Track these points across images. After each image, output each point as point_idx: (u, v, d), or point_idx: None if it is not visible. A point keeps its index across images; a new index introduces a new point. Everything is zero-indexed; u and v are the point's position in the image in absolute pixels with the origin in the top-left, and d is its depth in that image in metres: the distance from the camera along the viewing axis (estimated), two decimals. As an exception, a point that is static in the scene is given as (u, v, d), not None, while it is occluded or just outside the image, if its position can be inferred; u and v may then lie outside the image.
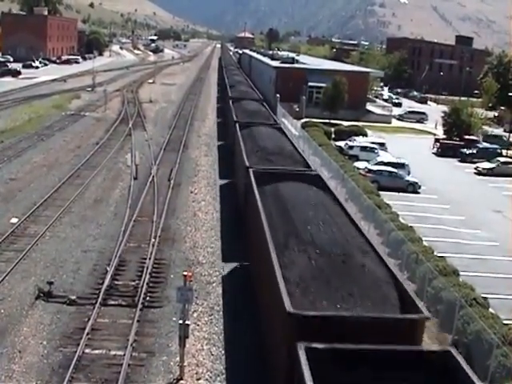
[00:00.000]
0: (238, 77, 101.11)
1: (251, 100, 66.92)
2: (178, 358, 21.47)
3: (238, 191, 40.74)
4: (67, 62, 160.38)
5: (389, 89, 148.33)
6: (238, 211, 36.90)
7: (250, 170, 30.85)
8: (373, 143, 65.20)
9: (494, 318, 25.11)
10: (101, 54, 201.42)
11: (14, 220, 34.93)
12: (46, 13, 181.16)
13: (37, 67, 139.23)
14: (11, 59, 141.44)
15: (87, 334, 22.97)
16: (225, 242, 34.22)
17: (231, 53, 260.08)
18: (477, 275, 31.92)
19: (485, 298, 27.35)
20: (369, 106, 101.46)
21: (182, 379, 20.90)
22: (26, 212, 36.34)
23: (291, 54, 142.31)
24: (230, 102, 61.78)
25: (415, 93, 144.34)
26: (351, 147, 63.31)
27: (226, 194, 43.73)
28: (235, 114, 53.37)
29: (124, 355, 21.75)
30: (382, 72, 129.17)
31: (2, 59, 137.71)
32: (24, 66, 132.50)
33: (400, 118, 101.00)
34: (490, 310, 26.45)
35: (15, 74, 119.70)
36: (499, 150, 71.08)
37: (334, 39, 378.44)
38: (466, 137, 75.59)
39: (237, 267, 30.73)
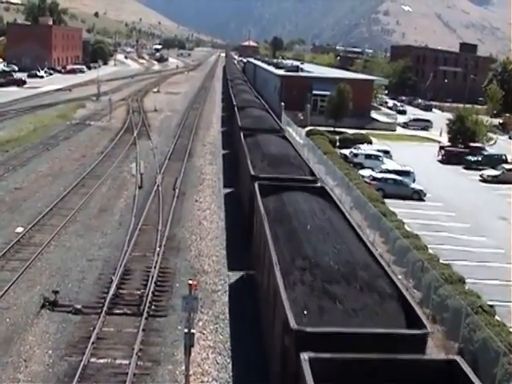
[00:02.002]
0: (242, 86, 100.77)
1: (256, 108, 66.79)
2: (183, 367, 21.40)
3: (242, 199, 40.69)
4: (72, 71, 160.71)
5: (388, 95, 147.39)
6: (243, 219, 36.74)
7: (256, 183, 30.58)
8: (378, 151, 65.16)
9: (501, 326, 25.01)
10: (105, 64, 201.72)
11: (20, 229, 34.97)
12: (50, 23, 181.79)
13: (42, 77, 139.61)
14: (16, 69, 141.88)
15: (92, 342, 22.95)
16: (230, 251, 34.21)
17: (235, 61, 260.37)
18: (483, 283, 31.83)
19: (491, 306, 27.25)
20: (373, 114, 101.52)
21: (187, 388, 20.86)
22: (32, 221, 36.38)
23: (296, 63, 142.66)
24: (235, 110, 61.79)
25: (420, 100, 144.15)
26: (356, 155, 63.23)
27: (231, 203, 43.70)
28: (240, 121, 53.53)
29: (129, 364, 21.73)
30: (386, 80, 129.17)
31: (7, 69, 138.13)
32: (29, 76, 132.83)
33: (405, 125, 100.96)
34: (497, 317, 26.33)
35: (20, 83, 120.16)
36: (504, 157, 70.86)
37: (338, 47, 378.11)
38: (471, 144, 75.48)
39: (242, 276, 30.69)
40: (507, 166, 65.86)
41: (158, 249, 32.85)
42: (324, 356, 14.40)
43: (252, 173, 34.16)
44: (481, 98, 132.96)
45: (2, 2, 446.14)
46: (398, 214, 42.01)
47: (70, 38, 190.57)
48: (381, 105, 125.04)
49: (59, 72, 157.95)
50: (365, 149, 66.22)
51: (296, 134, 74.03)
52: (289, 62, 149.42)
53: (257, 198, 28.61)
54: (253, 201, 30.69)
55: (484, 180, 62.52)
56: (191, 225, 38.37)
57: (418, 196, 51.57)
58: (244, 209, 38.11)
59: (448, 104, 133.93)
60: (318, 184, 33.16)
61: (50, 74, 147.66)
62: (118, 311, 25.90)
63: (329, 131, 77.98)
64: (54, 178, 47.87)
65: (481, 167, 66.54)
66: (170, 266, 31.15)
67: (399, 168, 56.33)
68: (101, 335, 23.81)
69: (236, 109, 62.96)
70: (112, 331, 24.29)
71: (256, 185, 30.35)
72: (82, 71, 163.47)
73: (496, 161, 68.55)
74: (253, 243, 30.71)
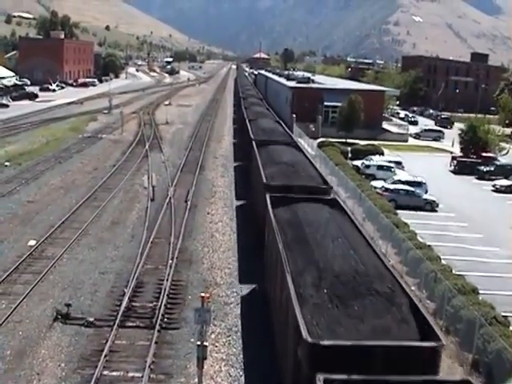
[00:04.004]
0: (254, 99, 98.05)
1: (268, 119, 66.60)
2: (196, 380, 21.37)
3: (255, 209, 40.56)
4: (84, 84, 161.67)
5: (399, 106, 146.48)
6: (256, 231, 36.38)
7: (267, 194, 30.06)
8: (389, 162, 65.04)
9: (515, 337, 24.83)
10: (117, 77, 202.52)
11: (32, 242, 35.08)
12: (62, 36, 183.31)
13: (54, 90, 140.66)
14: (28, 82, 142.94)
15: (105, 355, 22.94)
16: (242, 263, 34.17)
17: (247, 73, 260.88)
18: (496, 293, 31.62)
19: (505, 317, 27.09)
20: (385, 125, 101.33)
21: (200, 401, 20.80)
22: (44, 234, 36.49)
23: (307, 74, 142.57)
24: (247, 122, 61.28)
25: (431, 111, 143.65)
26: (368, 166, 63.12)
27: (243, 215, 43.67)
28: (252, 133, 53.33)
29: (142, 377, 21.70)
30: (397, 90, 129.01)
31: (20, 82, 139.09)
32: (41, 89, 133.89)
33: (416, 136, 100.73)
34: (511, 328, 26.15)
35: (32, 97, 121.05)
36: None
37: (349, 58, 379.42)
38: (483, 154, 75.20)
39: (255, 289, 30.63)
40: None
41: (170, 261, 32.85)
42: (340, 378, 14.35)
43: (264, 181, 34.29)
44: (493, 108, 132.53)
45: (14, 17, 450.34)
46: (410, 224, 41.83)
47: (82, 52, 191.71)
48: (392, 115, 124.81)
49: (71, 85, 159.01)
50: (377, 160, 66.07)
51: (308, 146, 74.01)
52: (300, 74, 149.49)
53: (268, 208, 28.33)
54: (265, 211, 30.23)
55: (497, 190, 62.23)
56: (203, 237, 38.37)
57: (431, 207, 51.40)
58: (257, 218, 37.60)
59: (459, 114, 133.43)
60: (331, 195, 32.69)
61: (62, 88, 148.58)
62: (130, 324, 25.89)
63: (340, 142, 77.93)
64: (67, 191, 48.03)
65: (493, 177, 66.25)
66: (183, 279, 31.14)
67: (411, 179, 56.16)
68: (113, 348, 23.79)
69: (247, 121, 62.14)
70: (125, 344, 24.27)
71: (268, 195, 29.93)
72: (93, 84, 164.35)
73: (508, 171, 68.22)
74: (265, 254, 30.48)
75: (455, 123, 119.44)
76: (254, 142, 46.91)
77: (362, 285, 19.12)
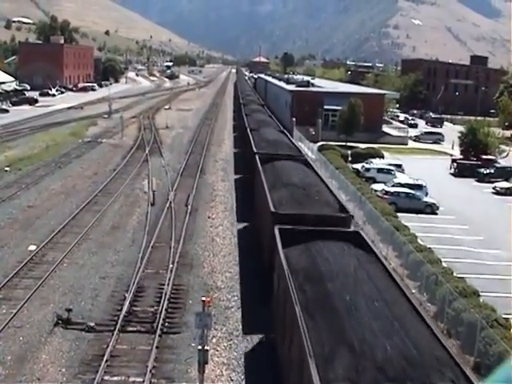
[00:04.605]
0: (255, 105, 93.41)
1: (271, 129, 61.68)
2: (197, 384, 21.34)
3: (260, 237, 35.15)
4: (84, 89, 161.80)
5: (399, 109, 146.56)
6: (261, 269, 31.24)
7: (276, 228, 25.22)
8: (390, 165, 65.00)
9: (517, 340, 24.80)
10: (117, 81, 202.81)
11: (33, 247, 35.07)
12: (62, 41, 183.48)
13: (53, 95, 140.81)
14: (28, 87, 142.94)
15: (106, 360, 22.90)
16: (243, 267, 34.15)
17: (246, 77, 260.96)
18: (497, 296, 31.58)
19: (506, 319, 27.06)
20: (385, 128, 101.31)
21: (201, 405, 20.77)
22: (44, 239, 36.48)
23: (306, 78, 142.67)
24: (249, 132, 56.85)
25: (431, 114, 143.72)
26: (368, 169, 63.09)
27: (244, 219, 43.61)
28: (255, 145, 48.36)
29: (143, 382, 21.68)
30: (397, 94, 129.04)
31: (20, 87, 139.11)
32: (41, 94, 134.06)
33: (416, 139, 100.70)
34: (512, 331, 26.12)
35: (32, 102, 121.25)
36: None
37: (348, 62, 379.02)
38: (483, 156, 75.18)
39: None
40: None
41: (170, 266, 32.83)
42: None
43: (272, 209, 28.90)
44: (492, 111, 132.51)
45: (14, 22, 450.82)
46: (410, 227, 41.83)
47: (82, 57, 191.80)
48: (392, 119, 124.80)
49: (71, 90, 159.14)
50: (377, 163, 66.06)
51: (308, 150, 73.98)
52: (300, 78, 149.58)
53: (278, 246, 23.62)
54: (272, 245, 25.55)
55: (497, 192, 62.20)
56: (204, 241, 38.35)
57: (431, 209, 51.37)
58: (262, 249, 32.94)
59: (459, 117, 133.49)
60: (352, 226, 29.25)
61: (62, 93, 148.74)
62: (131, 329, 25.85)
63: (340, 146, 77.89)
64: (67, 196, 48.02)
65: (493, 180, 66.21)
66: (183, 283, 31.11)
67: (411, 182, 56.12)
68: (114, 353, 23.75)
69: (249, 130, 57.66)
70: (125, 349, 24.23)
71: (276, 228, 25.37)
72: (93, 89, 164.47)
73: (509, 173, 68.23)
74: (273, 306, 25.11)
75: (444, 122, 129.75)
76: (257, 157, 42.28)
77: (415, 381, 14.36)
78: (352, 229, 28.14)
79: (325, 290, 19.53)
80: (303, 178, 35.68)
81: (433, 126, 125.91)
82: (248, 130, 58.47)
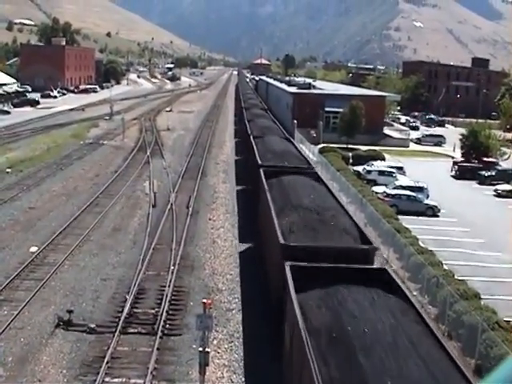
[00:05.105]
0: (257, 109, 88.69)
1: (276, 137, 56.50)
2: (198, 386, 21.33)
3: (267, 270, 30.62)
4: (85, 91, 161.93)
5: (400, 111, 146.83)
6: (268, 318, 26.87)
7: (288, 267, 21.56)
8: (391, 167, 65.02)
9: (518, 342, 24.78)
10: (118, 83, 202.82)
11: (34, 249, 35.09)
12: (63, 43, 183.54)
13: (55, 97, 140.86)
14: (30, 89, 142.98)
15: (107, 362, 22.92)
16: (244, 269, 34.15)
17: (248, 79, 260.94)
18: (498, 298, 31.59)
19: (507, 322, 27.05)
20: (386, 130, 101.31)
21: (202, 407, 20.77)
22: (46, 241, 36.50)
23: (308, 80, 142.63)
24: (252, 140, 52.39)
25: (432, 116, 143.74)
26: (369, 172, 63.09)
27: (245, 221, 43.61)
28: (259, 156, 44.15)
29: (144, 383, 21.66)
30: (398, 96, 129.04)
31: (21, 89, 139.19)
32: (42, 96, 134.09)
33: (418, 141, 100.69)
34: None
35: (34, 103, 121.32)
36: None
37: (349, 64, 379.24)
38: (485, 159, 75.16)
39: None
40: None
41: (172, 267, 32.84)
42: None
43: (281, 241, 24.79)
44: (494, 113, 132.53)
45: (16, 24, 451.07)
46: (412, 230, 41.81)
47: (83, 58, 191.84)
48: (393, 121, 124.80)
49: (72, 92, 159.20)
50: (378, 165, 66.03)
51: (309, 152, 73.99)
52: (301, 80, 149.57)
53: (290, 292, 19.72)
54: (281, 284, 22.48)
55: (498, 195, 62.18)
56: (205, 243, 38.35)
57: (432, 212, 51.34)
58: (269, 285, 29.00)
59: (461, 119, 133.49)
60: (377, 261, 26.43)
61: (63, 94, 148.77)
62: (132, 330, 25.87)
63: (342, 148, 77.85)
64: (68, 198, 48.05)
65: (495, 182, 66.20)
66: (184, 285, 31.13)
67: (413, 184, 56.11)
68: (115, 354, 23.77)
69: (252, 139, 53.20)
70: (126, 350, 24.25)
71: (288, 267, 21.64)
72: (94, 91, 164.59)
73: (510, 175, 68.13)
74: (284, 363, 21.25)
75: (446, 124, 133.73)
76: (262, 171, 38.03)
77: None
78: (377, 265, 25.87)
79: (357, 367, 15.17)
80: (316, 199, 31.25)
81: (427, 126, 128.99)
82: (251, 137, 54.26)
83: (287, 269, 21.32)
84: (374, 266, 24.37)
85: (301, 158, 46.98)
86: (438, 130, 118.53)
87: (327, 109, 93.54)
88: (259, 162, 41.92)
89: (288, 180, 35.86)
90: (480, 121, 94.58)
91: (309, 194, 32.12)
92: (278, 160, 43.45)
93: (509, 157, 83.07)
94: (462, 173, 70.96)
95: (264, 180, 35.68)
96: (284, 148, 49.80)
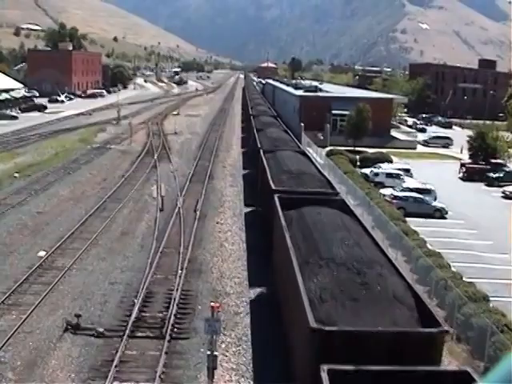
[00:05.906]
0: (266, 117, 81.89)
1: (290, 152, 48.83)
2: (206, 390, 21.32)
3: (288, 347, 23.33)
4: (92, 95, 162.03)
5: (407, 113, 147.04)
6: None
7: (323, 372, 15.17)
8: (398, 169, 64.93)
9: (527, 345, 24.68)
10: (125, 87, 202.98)
11: (42, 253, 35.15)
12: (70, 48, 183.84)
13: (62, 101, 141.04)
14: (37, 94, 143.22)
15: (115, 366, 22.94)
16: (251, 272, 34.15)
17: (255, 83, 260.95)
18: (507, 301, 31.48)
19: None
20: (393, 133, 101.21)
21: (211, 411, 20.77)
22: (54, 245, 36.56)
23: (314, 83, 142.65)
24: (262, 155, 46.44)
25: (439, 118, 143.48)
26: (377, 174, 63.03)
27: (252, 224, 43.61)
28: (272, 178, 38.09)
29: (152, 387, 21.70)
30: (405, 98, 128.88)
31: (28, 94, 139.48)
32: (50, 101, 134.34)
33: (425, 143, 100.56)
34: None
35: (41, 108, 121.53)
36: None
37: (356, 66, 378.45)
38: (492, 161, 74.98)
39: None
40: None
41: (179, 271, 32.86)
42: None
43: (313, 324, 17.40)
44: (501, 114, 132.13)
45: (23, 29, 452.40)
46: (419, 232, 41.76)
47: (90, 63, 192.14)
48: (400, 123, 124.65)
49: (79, 97, 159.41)
50: (385, 168, 65.99)
51: (316, 155, 73.97)
52: (307, 83, 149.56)
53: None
54: None
55: (506, 196, 62.02)
56: (213, 247, 38.37)
57: (440, 214, 51.25)
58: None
59: (468, 121, 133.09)
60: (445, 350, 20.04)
61: (71, 99, 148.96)
62: (140, 334, 25.89)
63: (349, 151, 77.84)
64: (76, 202, 48.13)
65: (502, 184, 66.03)
66: (192, 289, 31.14)
67: (420, 186, 56.07)
68: (124, 358, 23.79)
69: (262, 153, 47.23)
70: (135, 354, 24.27)
71: (325, 374, 15.11)
72: (102, 95, 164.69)
73: (518, 177, 68.01)
74: None
75: (453, 126, 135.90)
76: (276, 200, 31.48)
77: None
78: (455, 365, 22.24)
79: None
80: (351, 248, 23.13)
81: (425, 124, 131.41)
82: (261, 152, 48.17)
83: (324, 376, 15.00)
84: (451, 368, 19.31)
85: (321, 179, 40.24)
86: (445, 132, 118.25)
87: (334, 111, 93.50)
88: (272, 186, 35.89)
89: (311, 214, 28.30)
90: (487, 122, 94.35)
91: (341, 238, 24.09)
92: (295, 181, 38.06)
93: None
94: (470, 174, 70.81)
95: (280, 211, 29.17)
96: (300, 165, 42.92)
